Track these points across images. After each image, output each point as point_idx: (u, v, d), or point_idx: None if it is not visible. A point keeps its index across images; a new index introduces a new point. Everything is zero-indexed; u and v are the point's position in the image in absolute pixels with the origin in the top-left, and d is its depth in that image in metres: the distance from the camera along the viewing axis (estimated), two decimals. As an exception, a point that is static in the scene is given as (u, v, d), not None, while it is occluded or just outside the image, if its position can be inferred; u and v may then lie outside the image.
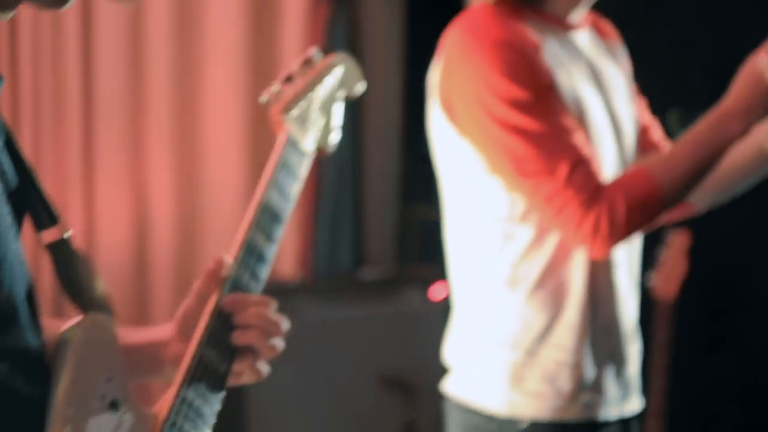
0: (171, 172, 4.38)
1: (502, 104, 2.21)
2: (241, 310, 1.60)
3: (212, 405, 1.58)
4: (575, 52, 2.36)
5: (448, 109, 2.31)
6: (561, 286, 2.31)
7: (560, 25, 2.36)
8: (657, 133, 2.57)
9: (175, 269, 4.30)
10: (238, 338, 1.59)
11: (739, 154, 2.38)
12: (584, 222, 2.20)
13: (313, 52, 2.21)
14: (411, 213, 4.71)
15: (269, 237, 1.80)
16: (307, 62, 2.19)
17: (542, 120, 2.21)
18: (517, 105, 2.21)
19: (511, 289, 2.32)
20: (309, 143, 2.09)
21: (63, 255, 1.42)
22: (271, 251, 1.79)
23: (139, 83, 4.41)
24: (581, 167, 2.21)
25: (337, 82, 2.19)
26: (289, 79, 2.15)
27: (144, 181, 4.36)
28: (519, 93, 2.21)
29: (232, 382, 1.62)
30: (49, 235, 1.43)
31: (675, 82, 3.87)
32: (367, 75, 4.65)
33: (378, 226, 4.72)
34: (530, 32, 2.28)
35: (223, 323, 1.62)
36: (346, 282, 4.44)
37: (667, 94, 2.79)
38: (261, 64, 4.54)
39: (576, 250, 2.29)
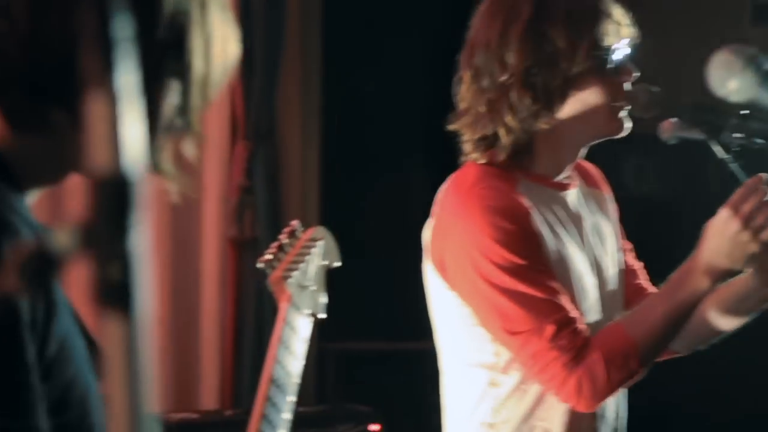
0: None
1: (492, 267, 2.31)
2: None
3: None
4: (563, 212, 2.46)
5: (440, 266, 2.40)
6: None
7: (549, 185, 2.45)
8: (643, 277, 2.66)
9: None
10: None
11: (716, 302, 2.47)
12: (567, 383, 2.30)
13: (296, 224, 2.35)
14: (329, 347, 4.80)
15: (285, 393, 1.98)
16: (292, 234, 2.33)
17: (531, 283, 2.31)
18: (507, 268, 2.31)
19: None
20: (307, 307, 2.22)
21: None
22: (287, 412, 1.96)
23: None
24: (566, 328, 2.30)
25: (320, 253, 2.33)
26: (280, 248, 2.28)
27: None
28: (509, 257, 2.31)
29: None
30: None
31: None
32: (287, 208, 4.79)
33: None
34: (520, 195, 2.37)
35: None
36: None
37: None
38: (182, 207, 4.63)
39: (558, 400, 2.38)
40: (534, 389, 2.39)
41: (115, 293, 0.77)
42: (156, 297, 4.35)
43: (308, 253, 2.30)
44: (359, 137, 5.10)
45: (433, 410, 4.74)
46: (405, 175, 4.96)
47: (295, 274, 2.21)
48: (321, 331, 4.78)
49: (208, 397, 4.56)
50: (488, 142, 2.41)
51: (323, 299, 2.28)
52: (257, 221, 4.64)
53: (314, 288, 2.26)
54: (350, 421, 4.26)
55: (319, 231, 2.39)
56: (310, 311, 2.21)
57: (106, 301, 0.78)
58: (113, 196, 0.77)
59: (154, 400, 0.79)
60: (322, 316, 2.27)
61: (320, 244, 2.35)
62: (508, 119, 2.37)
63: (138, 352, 0.78)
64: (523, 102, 2.36)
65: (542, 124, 2.38)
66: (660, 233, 4.22)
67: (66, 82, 1.34)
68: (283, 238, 2.31)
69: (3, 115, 1.36)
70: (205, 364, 4.59)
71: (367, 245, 4.66)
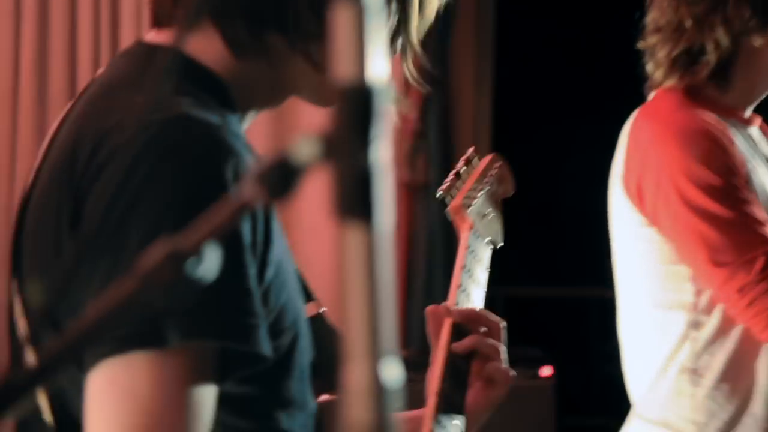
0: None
1: (698, 191, 2.24)
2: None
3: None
4: (754, 146, 2.40)
5: (637, 197, 2.33)
6: (747, 377, 2.31)
7: (738, 119, 2.39)
8: None
9: None
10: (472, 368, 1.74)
11: None
12: None
13: (471, 151, 2.32)
14: (500, 290, 4.79)
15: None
16: (468, 161, 2.29)
17: (737, 209, 2.23)
18: (713, 192, 2.23)
19: (695, 379, 2.33)
20: (487, 235, 2.19)
21: (320, 329, 1.51)
22: None
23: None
24: None
25: (497, 180, 2.30)
26: (457, 176, 2.25)
27: None
28: (715, 181, 2.24)
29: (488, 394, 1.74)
30: (308, 309, 1.52)
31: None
32: (458, 154, 4.78)
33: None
34: (718, 123, 2.31)
35: (456, 361, 1.80)
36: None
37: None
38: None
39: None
40: (737, 330, 2.30)
41: (357, 204, 0.77)
42: (327, 240, 4.38)
43: (487, 181, 2.26)
44: (531, 82, 5.05)
45: (603, 357, 4.71)
46: (576, 120, 4.91)
47: (475, 201, 2.18)
48: (491, 274, 4.81)
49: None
50: (689, 59, 2.35)
51: (501, 227, 2.25)
52: (430, 166, 4.65)
53: (493, 215, 2.22)
54: (521, 363, 4.24)
55: (496, 158, 2.34)
56: (490, 239, 2.18)
57: (347, 211, 0.77)
58: (357, 106, 0.77)
59: (393, 314, 0.79)
60: (501, 244, 2.23)
61: (497, 171, 2.31)
62: (720, 33, 2.31)
63: (379, 264, 0.78)
64: (741, 14, 2.31)
65: (755, 41, 2.32)
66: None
67: (283, 7, 1.37)
68: (460, 166, 2.26)
69: (226, 42, 1.40)
70: (377, 306, 4.61)
71: (537, 190, 4.63)
